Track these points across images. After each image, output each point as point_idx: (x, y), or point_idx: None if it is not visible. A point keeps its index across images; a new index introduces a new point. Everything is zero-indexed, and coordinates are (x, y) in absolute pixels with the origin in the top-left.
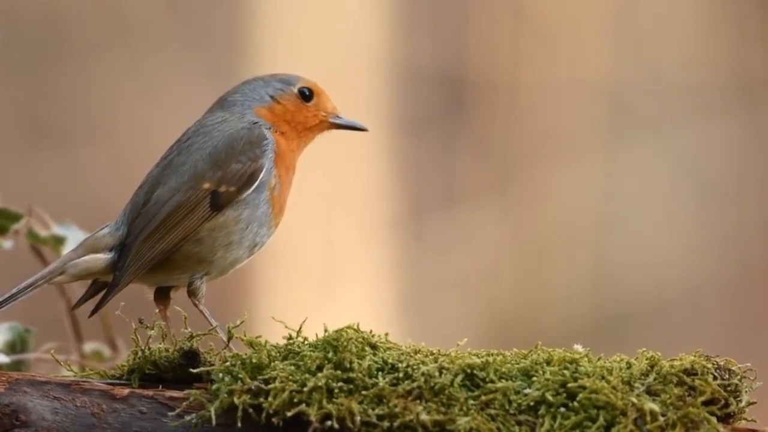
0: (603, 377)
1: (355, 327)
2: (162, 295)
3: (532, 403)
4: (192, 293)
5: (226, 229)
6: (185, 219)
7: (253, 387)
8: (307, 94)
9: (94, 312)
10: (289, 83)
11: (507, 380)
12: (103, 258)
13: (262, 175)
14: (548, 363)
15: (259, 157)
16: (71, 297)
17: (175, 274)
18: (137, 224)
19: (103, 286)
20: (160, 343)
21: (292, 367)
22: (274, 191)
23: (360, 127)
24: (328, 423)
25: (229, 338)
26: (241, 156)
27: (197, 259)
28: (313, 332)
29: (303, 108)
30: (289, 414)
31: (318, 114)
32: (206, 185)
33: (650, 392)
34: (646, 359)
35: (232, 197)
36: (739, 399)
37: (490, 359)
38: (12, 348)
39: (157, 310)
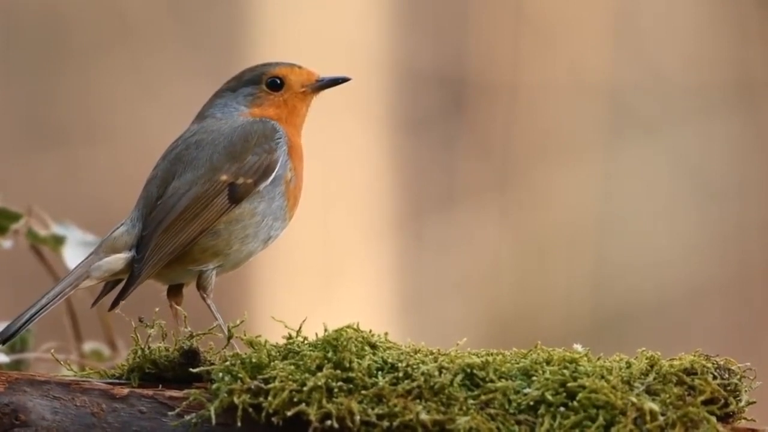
0: (603, 377)
1: (355, 326)
2: (174, 292)
3: (531, 403)
4: (201, 287)
5: (242, 222)
6: (204, 211)
7: (252, 386)
8: (277, 83)
9: (113, 306)
10: (256, 82)
11: (507, 380)
12: (124, 257)
13: (277, 168)
14: (548, 362)
15: (275, 150)
16: (71, 296)
17: (190, 267)
18: (154, 216)
19: (115, 283)
20: (160, 343)
21: (292, 367)
22: (290, 184)
23: (342, 78)
24: (328, 422)
25: (229, 337)
26: (257, 148)
27: (213, 252)
28: (313, 332)
29: (279, 98)
30: (288, 413)
31: (296, 93)
32: (224, 177)
33: (650, 392)
34: (646, 359)
35: (249, 189)
36: (738, 398)
37: (490, 359)
38: (12, 347)
39: (157, 309)
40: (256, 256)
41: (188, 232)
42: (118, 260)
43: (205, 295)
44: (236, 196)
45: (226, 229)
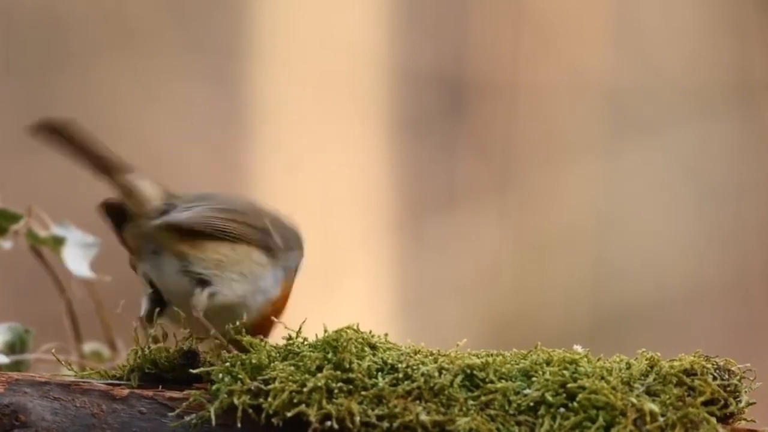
0: (602, 377)
1: (355, 327)
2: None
3: (531, 404)
4: (192, 305)
5: (249, 262)
6: (240, 227)
7: (252, 387)
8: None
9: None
10: (302, 248)
11: (507, 381)
12: (156, 192)
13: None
14: (548, 363)
15: (295, 249)
16: (71, 297)
17: (186, 262)
18: (199, 200)
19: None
20: (160, 343)
21: (292, 368)
22: (272, 297)
23: None
24: (328, 423)
25: (229, 340)
26: (287, 235)
27: (217, 260)
28: (313, 333)
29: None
30: (288, 414)
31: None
32: (265, 222)
33: (650, 393)
34: (646, 359)
35: (270, 248)
36: (738, 399)
37: (490, 360)
38: (11, 348)
39: (157, 310)
40: (235, 312)
41: (227, 225)
42: (150, 187)
43: (196, 313)
44: (266, 242)
45: (235, 257)
